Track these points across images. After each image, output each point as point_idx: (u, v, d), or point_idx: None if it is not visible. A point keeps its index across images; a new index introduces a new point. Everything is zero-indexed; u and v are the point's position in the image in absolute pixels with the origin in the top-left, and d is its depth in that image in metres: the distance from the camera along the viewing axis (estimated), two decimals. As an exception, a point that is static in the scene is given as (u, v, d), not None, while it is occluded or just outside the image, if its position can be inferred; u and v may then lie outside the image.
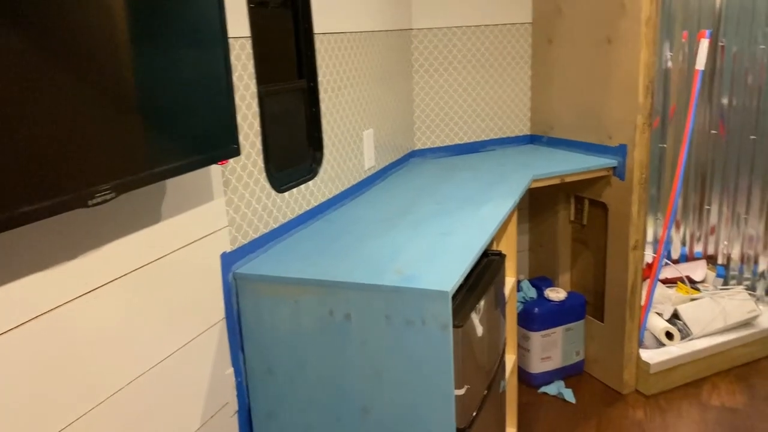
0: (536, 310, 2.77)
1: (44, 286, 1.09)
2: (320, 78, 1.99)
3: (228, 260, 1.59)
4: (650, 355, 2.76)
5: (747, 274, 3.23)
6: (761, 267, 3.16)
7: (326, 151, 2.05)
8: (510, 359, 2.33)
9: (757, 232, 3.16)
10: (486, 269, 1.83)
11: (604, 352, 2.84)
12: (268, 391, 1.67)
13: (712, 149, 3.25)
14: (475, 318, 1.65)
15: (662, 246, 2.89)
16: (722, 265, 3.33)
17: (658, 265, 2.87)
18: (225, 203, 1.58)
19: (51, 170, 0.94)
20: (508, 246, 2.25)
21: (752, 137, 3.09)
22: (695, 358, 2.81)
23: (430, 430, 1.53)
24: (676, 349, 2.81)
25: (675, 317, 2.98)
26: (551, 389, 2.81)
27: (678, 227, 3.44)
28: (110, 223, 1.23)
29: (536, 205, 3.16)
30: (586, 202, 2.85)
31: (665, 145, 3.32)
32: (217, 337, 1.57)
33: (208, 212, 1.52)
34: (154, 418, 1.37)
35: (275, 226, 1.80)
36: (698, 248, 3.41)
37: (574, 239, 3.00)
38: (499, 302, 1.94)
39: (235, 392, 1.65)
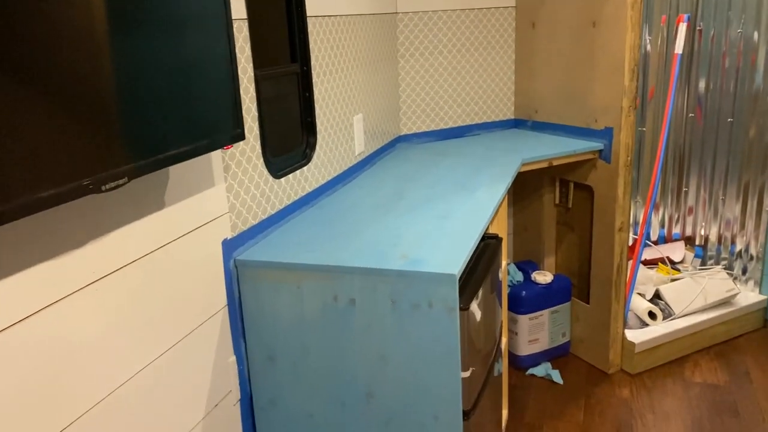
0: (524, 293, 2.79)
1: (50, 277, 1.06)
2: (313, 62, 1.96)
3: (229, 247, 1.57)
4: (635, 335, 2.82)
5: (724, 254, 3.31)
6: (738, 247, 3.24)
7: (319, 136, 2.02)
8: (503, 343, 2.35)
9: (734, 213, 3.23)
10: (484, 252, 1.84)
11: (590, 332, 2.88)
12: (270, 379, 1.65)
13: (690, 132, 3.31)
14: (474, 302, 1.65)
15: (644, 228, 2.94)
16: (700, 245, 3.40)
17: (640, 246, 2.92)
18: (225, 189, 1.55)
19: (67, 155, 0.91)
20: (500, 229, 2.26)
21: (729, 120, 3.15)
22: (677, 336, 2.88)
23: (437, 413, 1.54)
24: (659, 329, 2.86)
25: (657, 297, 3.04)
26: (539, 371, 2.85)
27: (657, 209, 3.49)
28: (115, 211, 1.20)
29: (521, 189, 3.18)
30: (571, 186, 2.88)
31: (644, 129, 3.37)
32: (219, 325, 1.54)
33: (210, 199, 1.49)
34: (158, 411, 1.35)
35: (273, 212, 1.77)
36: (676, 230, 3.48)
37: (558, 222, 3.03)
38: (495, 286, 1.95)
39: (237, 380, 1.63)
